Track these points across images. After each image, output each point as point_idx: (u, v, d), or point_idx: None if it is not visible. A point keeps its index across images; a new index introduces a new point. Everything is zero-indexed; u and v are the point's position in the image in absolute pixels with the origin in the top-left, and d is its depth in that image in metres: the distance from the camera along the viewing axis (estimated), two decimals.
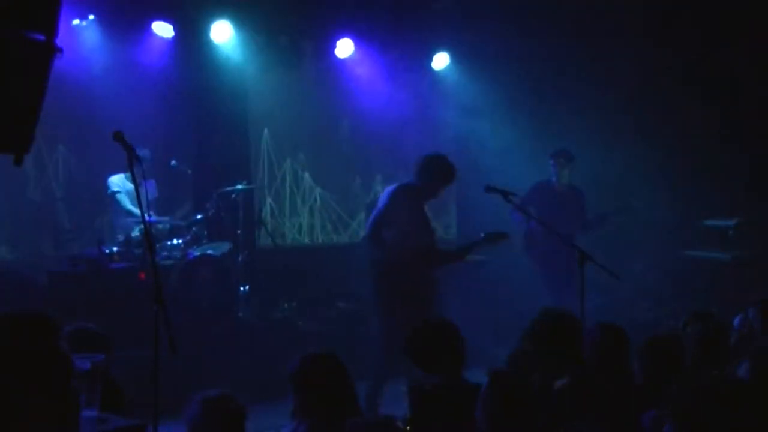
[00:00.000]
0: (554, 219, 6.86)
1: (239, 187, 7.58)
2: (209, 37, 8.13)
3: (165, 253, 7.21)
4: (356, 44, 8.90)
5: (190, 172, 8.04)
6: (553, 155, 7.69)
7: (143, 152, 6.45)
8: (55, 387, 2.44)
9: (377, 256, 5.82)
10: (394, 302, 5.66)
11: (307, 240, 9.62)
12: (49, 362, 2.47)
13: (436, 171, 5.74)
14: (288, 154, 9.51)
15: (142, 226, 7.17)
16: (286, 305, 8.14)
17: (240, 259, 7.67)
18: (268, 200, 9.31)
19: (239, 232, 7.71)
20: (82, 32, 7.50)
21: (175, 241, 7.30)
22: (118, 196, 7.49)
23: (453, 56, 9.52)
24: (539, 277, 7.63)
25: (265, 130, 9.29)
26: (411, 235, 5.67)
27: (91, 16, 7.47)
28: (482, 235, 5.85)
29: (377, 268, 5.81)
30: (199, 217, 7.35)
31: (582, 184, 7.84)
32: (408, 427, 3.31)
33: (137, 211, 7.42)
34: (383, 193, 5.99)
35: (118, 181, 7.50)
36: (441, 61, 9.51)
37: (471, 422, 3.15)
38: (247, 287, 7.69)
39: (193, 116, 8.55)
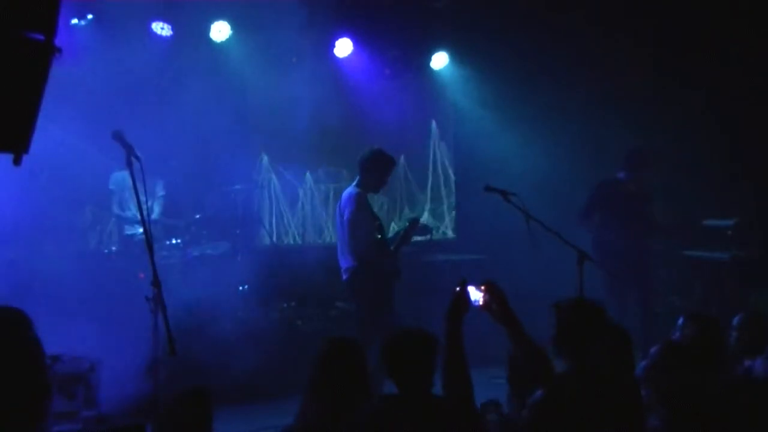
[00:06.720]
0: (625, 220, 6.81)
1: (238, 186, 7.58)
2: (208, 36, 8.12)
3: (164, 253, 7.21)
4: (355, 44, 8.89)
5: (188, 172, 8.02)
6: (638, 155, 7.20)
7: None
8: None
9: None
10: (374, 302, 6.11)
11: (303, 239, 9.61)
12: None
13: (381, 163, 6.13)
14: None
15: (136, 225, 7.28)
16: (285, 305, 8.13)
17: (239, 258, 7.67)
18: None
19: (238, 231, 7.70)
20: (81, 32, 7.48)
21: (174, 241, 7.30)
22: (112, 196, 7.47)
23: (452, 56, 9.51)
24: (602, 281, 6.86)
25: None
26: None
27: (90, 16, 7.46)
28: (407, 223, 6.33)
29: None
30: (198, 216, 7.33)
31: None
32: None
33: (122, 214, 7.43)
34: (347, 202, 6.07)
35: (116, 179, 7.47)
36: (440, 60, 9.50)
37: None
38: (246, 287, 7.68)
39: (192, 116, 8.53)
